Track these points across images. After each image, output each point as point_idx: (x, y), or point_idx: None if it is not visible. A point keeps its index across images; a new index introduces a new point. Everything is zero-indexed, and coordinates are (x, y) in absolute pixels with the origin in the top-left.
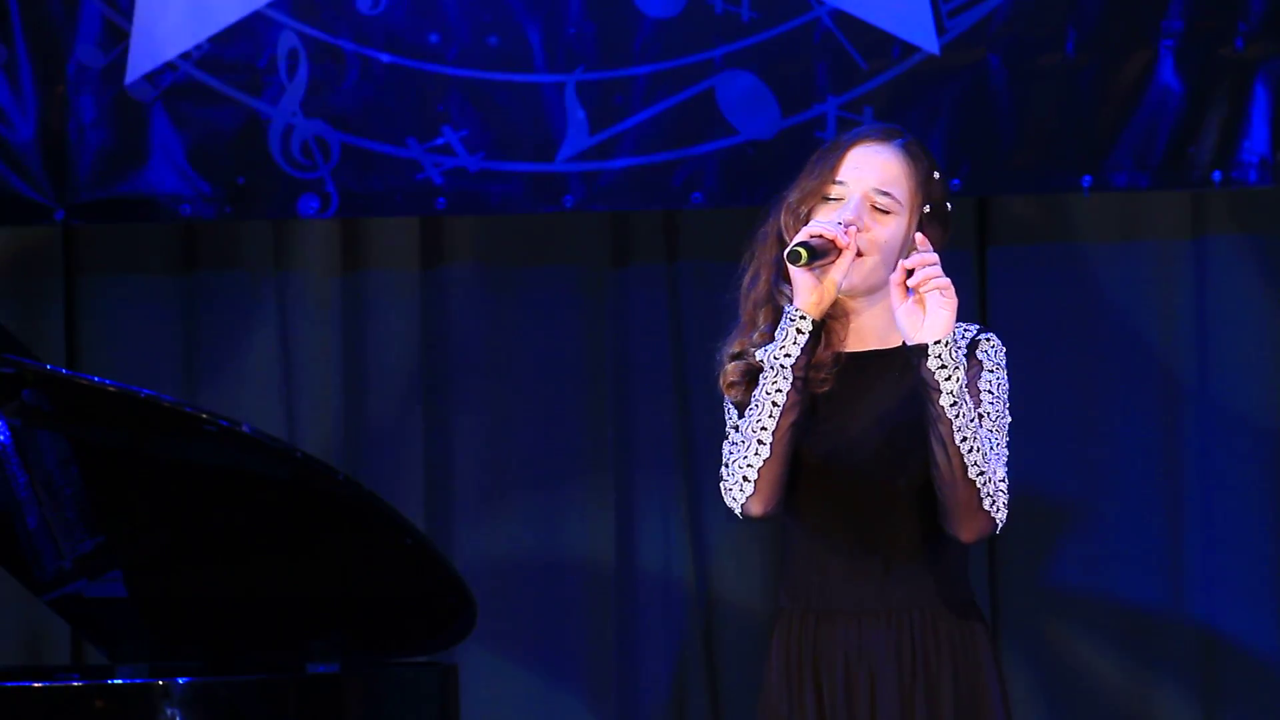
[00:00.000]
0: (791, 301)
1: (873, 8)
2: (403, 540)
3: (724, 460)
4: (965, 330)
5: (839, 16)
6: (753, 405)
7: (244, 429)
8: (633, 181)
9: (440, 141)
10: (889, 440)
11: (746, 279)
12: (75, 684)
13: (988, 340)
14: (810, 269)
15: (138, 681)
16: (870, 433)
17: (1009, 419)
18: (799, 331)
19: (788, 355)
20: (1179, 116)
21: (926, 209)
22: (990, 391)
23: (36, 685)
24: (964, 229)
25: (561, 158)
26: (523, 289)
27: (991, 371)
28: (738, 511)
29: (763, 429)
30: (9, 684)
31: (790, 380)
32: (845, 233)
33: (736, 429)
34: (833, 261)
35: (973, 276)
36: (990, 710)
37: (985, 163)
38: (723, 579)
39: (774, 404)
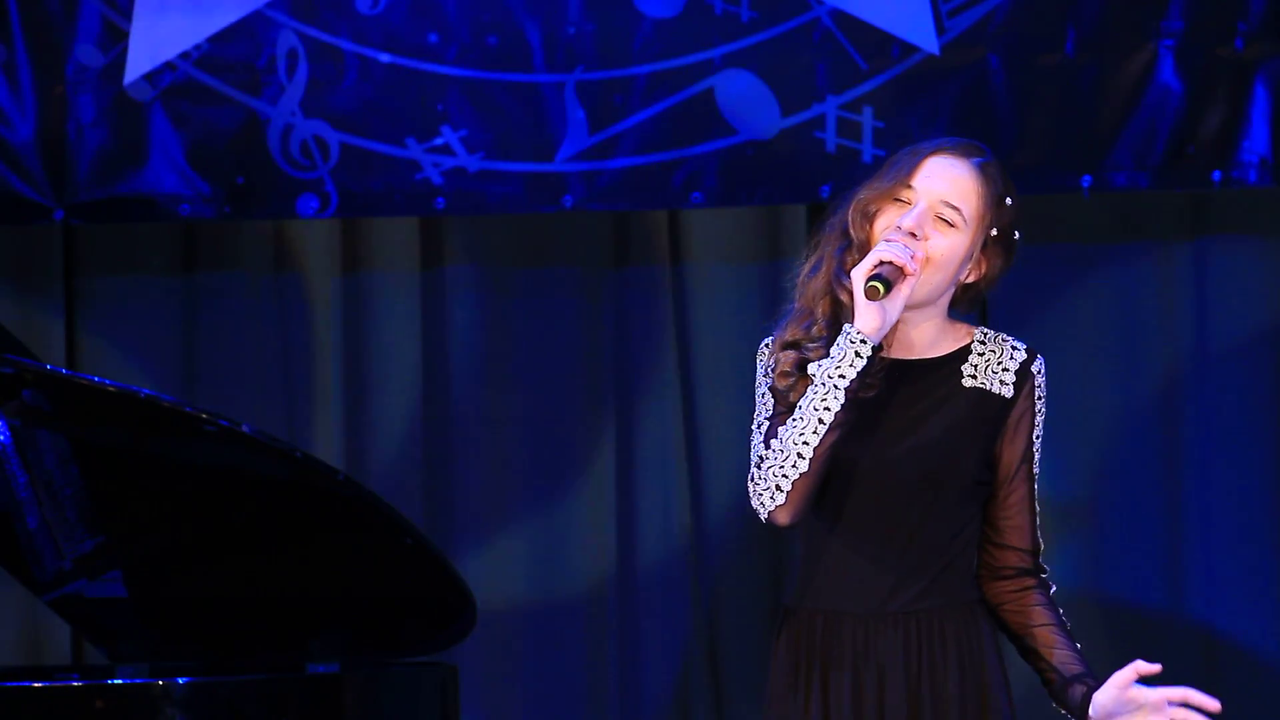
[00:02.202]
0: (849, 306)
1: (872, 8)
2: (403, 540)
3: (754, 460)
4: (1014, 349)
5: (839, 16)
6: (796, 417)
7: (244, 429)
8: (632, 181)
9: (439, 141)
10: (923, 452)
11: (807, 266)
12: (75, 684)
13: (1040, 374)
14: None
15: (138, 681)
16: (905, 444)
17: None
18: (858, 355)
19: (843, 376)
20: (1179, 116)
21: (993, 232)
22: (1038, 437)
23: (36, 685)
24: None
25: (561, 158)
26: (522, 289)
27: (1040, 413)
28: (763, 516)
29: (805, 444)
30: (9, 684)
31: (842, 402)
32: (912, 258)
33: (770, 421)
34: (898, 286)
35: None
36: (995, 708)
37: None
38: (725, 579)
39: (820, 421)
